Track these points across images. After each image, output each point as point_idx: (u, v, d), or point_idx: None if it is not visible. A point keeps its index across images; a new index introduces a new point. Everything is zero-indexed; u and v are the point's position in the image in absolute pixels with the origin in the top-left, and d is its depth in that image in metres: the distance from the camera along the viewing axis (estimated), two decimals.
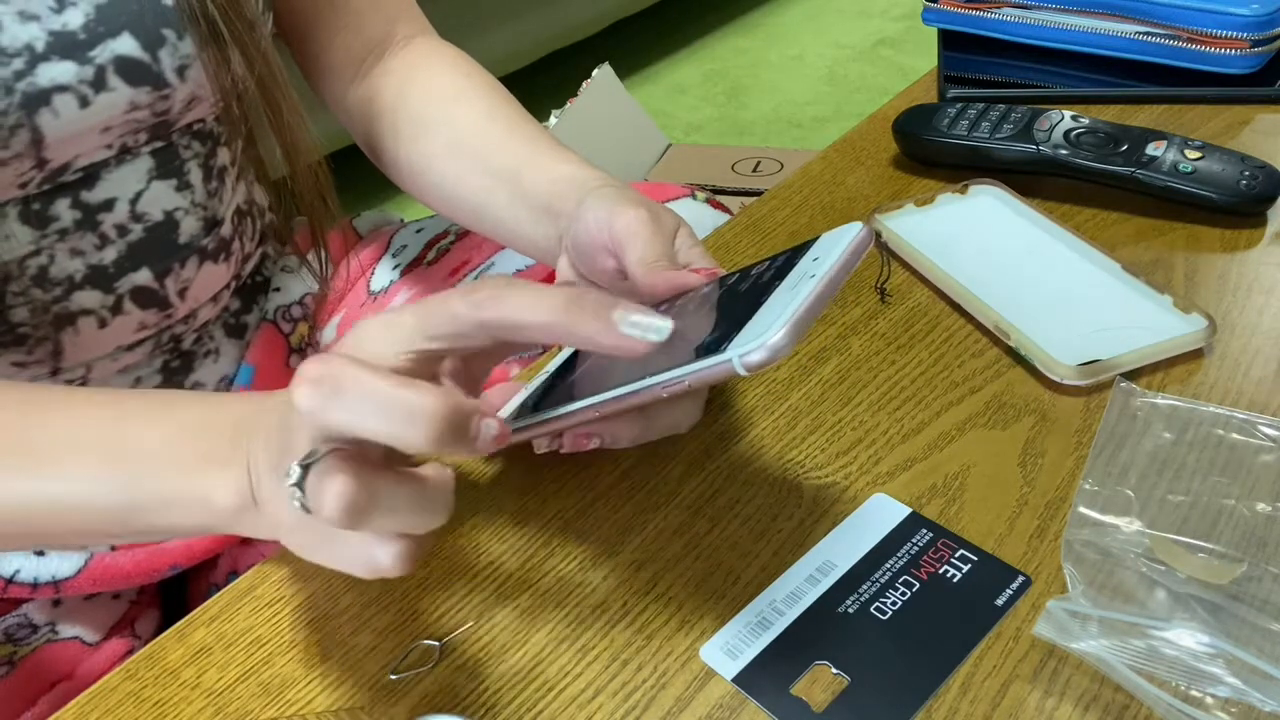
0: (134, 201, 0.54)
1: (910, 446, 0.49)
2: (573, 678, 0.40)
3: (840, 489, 0.47)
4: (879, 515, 0.45)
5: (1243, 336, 0.53)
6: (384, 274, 0.72)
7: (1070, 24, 0.76)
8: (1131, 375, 0.51)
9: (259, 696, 0.41)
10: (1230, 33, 0.70)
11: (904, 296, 0.58)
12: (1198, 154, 0.62)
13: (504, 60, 2.09)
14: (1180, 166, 0.61)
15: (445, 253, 0.72)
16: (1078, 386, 0.51)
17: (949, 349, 0.54)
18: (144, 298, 0.56)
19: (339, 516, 0.31)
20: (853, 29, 2.66)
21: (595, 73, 1.70)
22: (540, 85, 2.18)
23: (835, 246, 0.37)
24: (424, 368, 0.35)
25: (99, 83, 0.49)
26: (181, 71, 0.52)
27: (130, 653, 0.57)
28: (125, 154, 0.53)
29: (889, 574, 0.43)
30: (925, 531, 0.44)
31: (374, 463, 0.33)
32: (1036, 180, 0.65)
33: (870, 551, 0.44)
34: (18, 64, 0.46)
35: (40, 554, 0.55)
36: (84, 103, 0.49)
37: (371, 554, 0.34)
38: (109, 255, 0.54)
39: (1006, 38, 0.79)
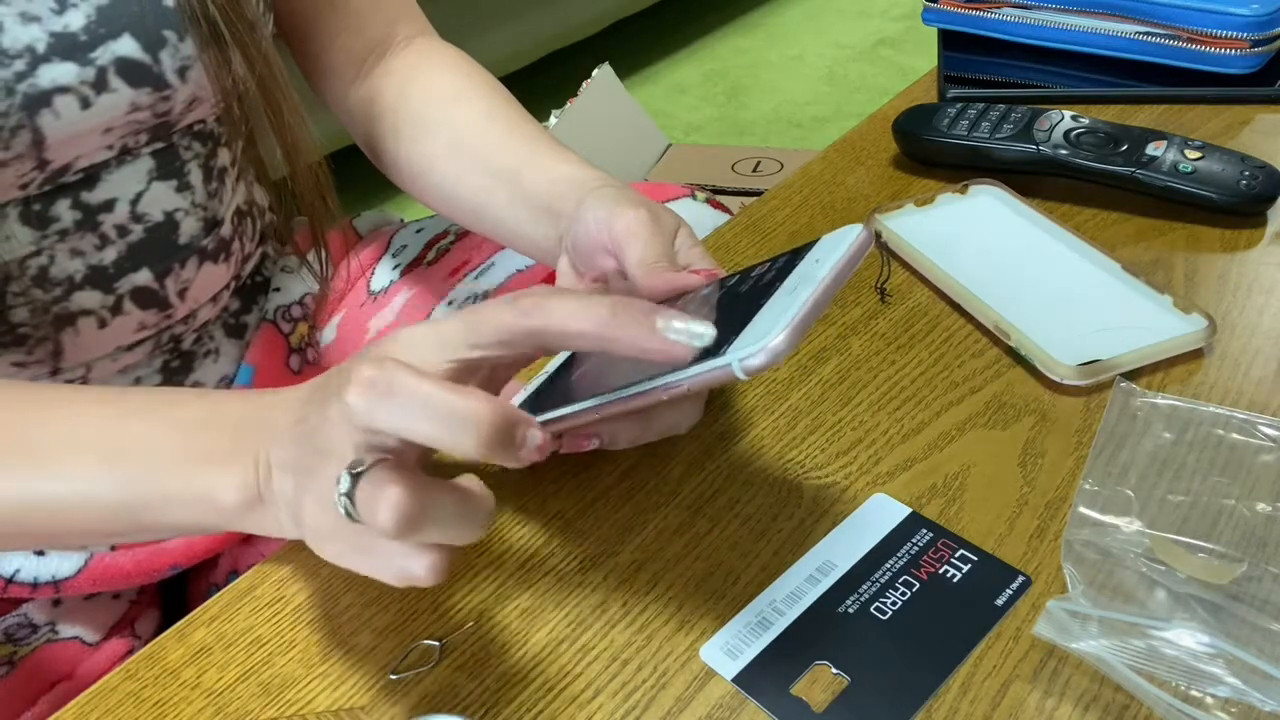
0: (134, 202, 0.54)
1: (910, 446, 0.49)
2: (573, 678, 0.40)
3: (840, 489, 0.47)
4: (879, 515, 0.45)
5: (1243, 336, 0.53)
6: (384, 274, 0.72)
7: (1070, 24, 0.76)
8: (1131, 375, 0.51)
9: (259, 696, 0.41)
10: (1230, 33, 0.70)
11: (904, 296, 0.58)
12: (1198, 154, 0.62)
13: (504, 60, 2.09)
14: (1180, 166, 0.61)
15: (445, 253, 0.72)
16: (1078, 386, 0.51)
17: (949, 349, 0.54)
18: (144, 298, 0.56)
19: (393, 528, 0.32)
20: (853, 29, 2.66)
21: (595, 73, 1.70)
22: (540, 85, 2.18)
23: (835, 249, 0.37)
24: (465, 377, 0.36)
25: (100, 84, 0.49)
26: (182, 72, 0.52)
27: (130, 653, 0.57)
28: (126, 155, 0.53)
29: (889, 574, 0.43)
30: (925, 531, 0.45)
31: (420, 474, 0.33)
32: (1036, 180, 0.65)
33: (870, 551, 0.44)
34: (19, 65, 0.46)
35: (40, 554, 0.55)
36: (85, 104, 0.49)
37: (407, 564, 0.34)
38: (109, 256, 0.54)
39: (1006, 38, 0.79)
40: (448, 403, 0.32)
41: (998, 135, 0.65)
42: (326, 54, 0.66)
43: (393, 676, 0.41)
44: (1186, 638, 0.38)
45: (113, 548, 0.56)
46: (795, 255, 0.39)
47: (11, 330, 0.52)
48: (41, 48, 0.47)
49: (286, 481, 0.37)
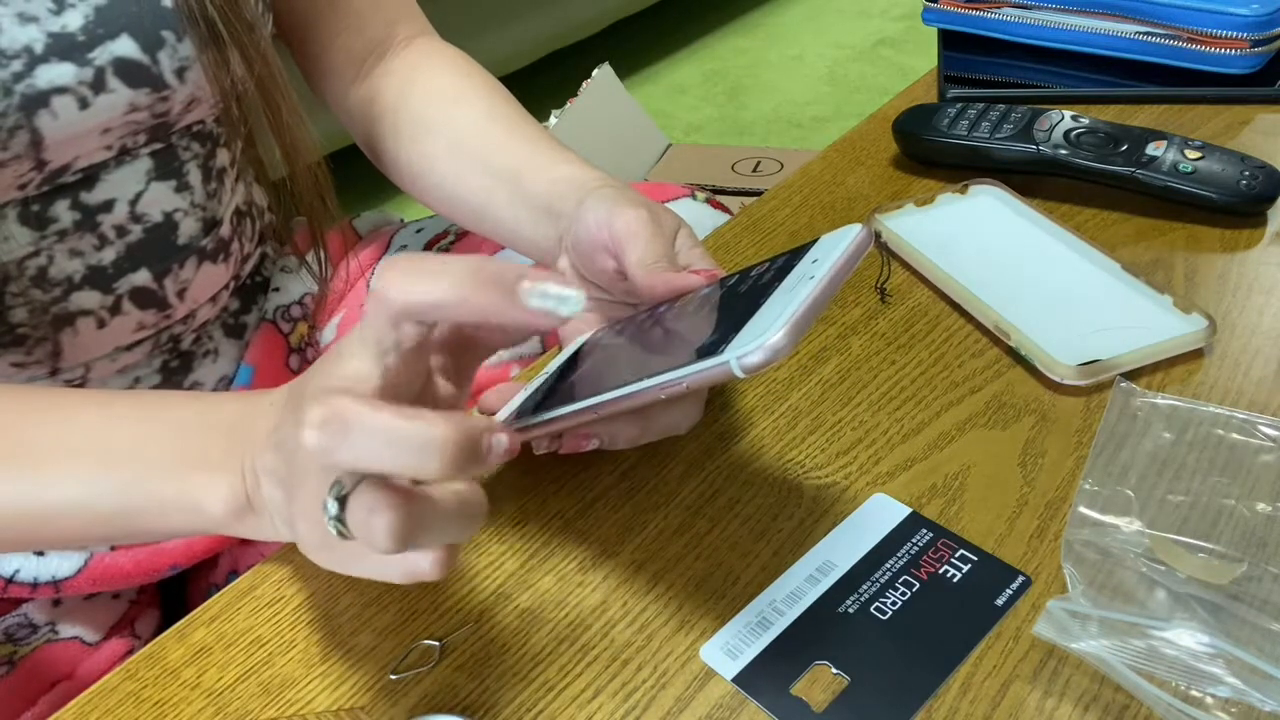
0: (133, 203, 0.54)
1: (910, 446, 0.49)
2: (573, 678, 0.40)
3: (840, 489, 0.47)
4: (879, 515, 0.45)
5: (1243, 336, 0.53)
6: None
7: (1070, 24, 0.76)
8: (1131, 375, 0.51)
9: (259, 696, 0.41)
10: (1230, 33, 0.70)
11: (904, 296, 0.58)
12: (1198, 154, 0.62)
13: (504, 60, 2.09)
14: (1180, 166, 0.61)
15: (445, 253, 0.72)
16: (1078, 386, 0.51)
17: (949, 349, 0.54)
18: (143, 298, 0.56)
19: (390, 546, 0.31)
20: (853, 29, 2.66)
21: (595, 73, 1.70)
22: (540, 85, 2.18)
23: (835, 248, 0.37)
24: (409, 369, 0.35)
25: (98, 84, 0.49)
26: (181, 73, 0.52)
27: (130, 653, 0.57)
28: (124, 155, 0.53)
29: (889, 574, 0.43)
30: (925, 531, 0.44)
31: (406, 487, 0.33)
32: (1036, 180, 0.65)
33: (870, 551, 0.44)
34: (16, 66, 0.46)
35: (40, 554, 0.55)
36: (83, 104, 0.49)
37: (411, 564, 0.34)
38: (108, 256, 0.54)
39: (1006, 38, 0.79)
40: (403, 431, 0.30)
41: (998, 135, 0.65)
42: (326, 54, 0.66)
43: (393, 676, 0.41)
44: (1186, 638, 0.38)
45: (112, 548, 0.56)
46: (795, 255, 0.39)
47: (10, 330, 0.52)
48: (39, 48, 0.47)
49: (275, 490, 0.37)
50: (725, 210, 0.73)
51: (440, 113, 0.62)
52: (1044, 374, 0.51)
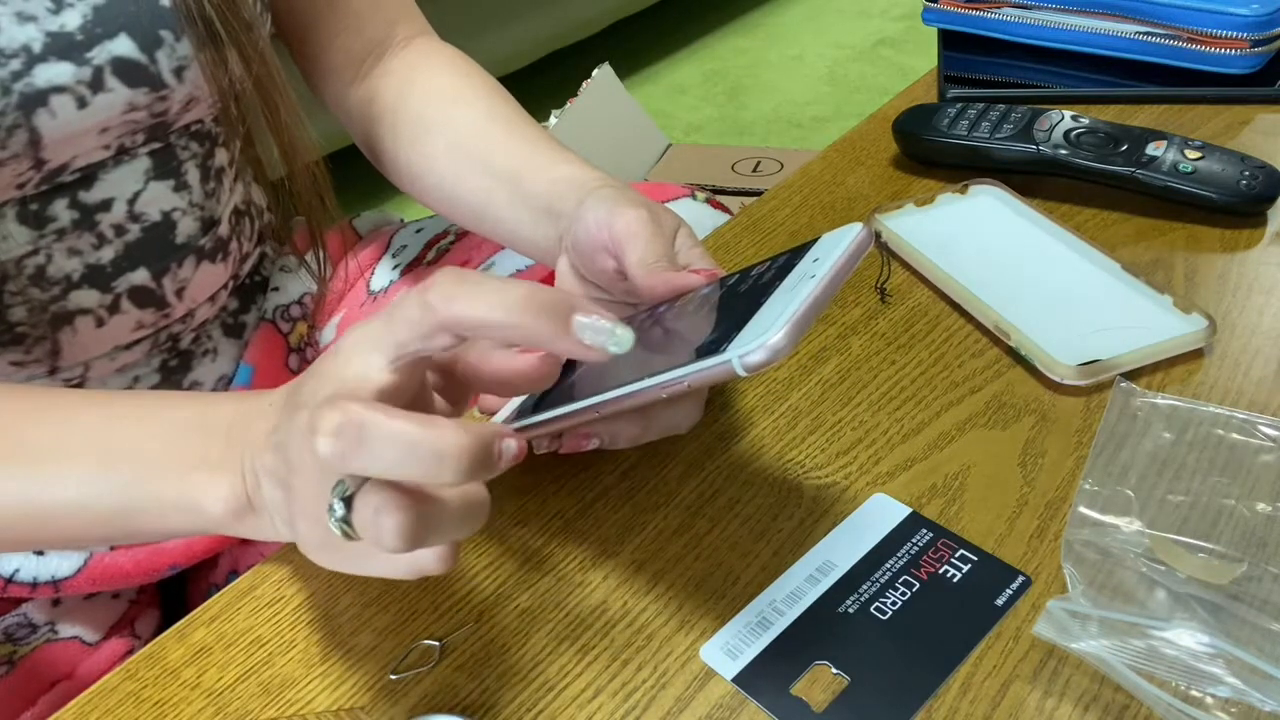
0: (131, 202, 0.54)
1: (910, 446, 0.49)
2: (573, 678, 0.40)
3: (840, 489, 0.47)
4: (879, 515, 0.45)
5: (1243, 336, 0.53)
6: (384, 274, 0.72)
7: (1070, 24, 0.76)
8: (1131, 375, 0.51)
9: (259, 696, 0.41)
10: (1230, 33, 0.70)
11: (904, 296, 0.58)
12: (1198, 154, 0.61)
13: (504, 60, 2.09)
14: (1180, 166, 0.61)
15: (445, 253, 0.72)
16: (1078, 386, 0.51)
17: (949, 349, 0.54)
18: (141, 297, 0.56)
19: (398, 546, 0.31)
20: (853, 29, 2.66)
21: (595, 73, 1.70)
22: (540, 85, 2.18)
23: (835, 247, 0.37)
24: (412, 374, 0.35)
25: (97, 84, 0.49)
26: (179, 73, 0.52)
27: (130, 653, 0.57)
28: (123, 155, 0.53)
29: (889, 574, 0.43)
30: (925, 531, 0.44)
31: (409, 487, 0.33)
32: (1036, 180, 0.65)
33: (870, 551, 0.44)
34: (15, 65, 0.46)
35: (40, 553, 0.55)
36: (82, 104, 0.49)
37: (415, 560, 0.35)
38: (106, 255, 0.54)
39: (1006, 38, 0.79)
40: (418, 439, 0.31)
41: (998, 135, 0.65)
42: (325, 54, 0.66)
43: (393, 676, 0.41)
44: (1186, 638, 0.38)
45: (112, 548, 0.56)
46: (795, 254, 0.39)
47: (9, 329, 0.52)
48: (38, 47, 0.47)
49: (276, 491, 0.37)
50: (725, 210, 0.73)
51: (439, 113, 0.62)
52: (1044, 374, 0.51)
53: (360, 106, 0.66)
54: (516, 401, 0.46)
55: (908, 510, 0.46)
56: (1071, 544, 0.42)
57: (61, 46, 0.48)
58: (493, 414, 0.46)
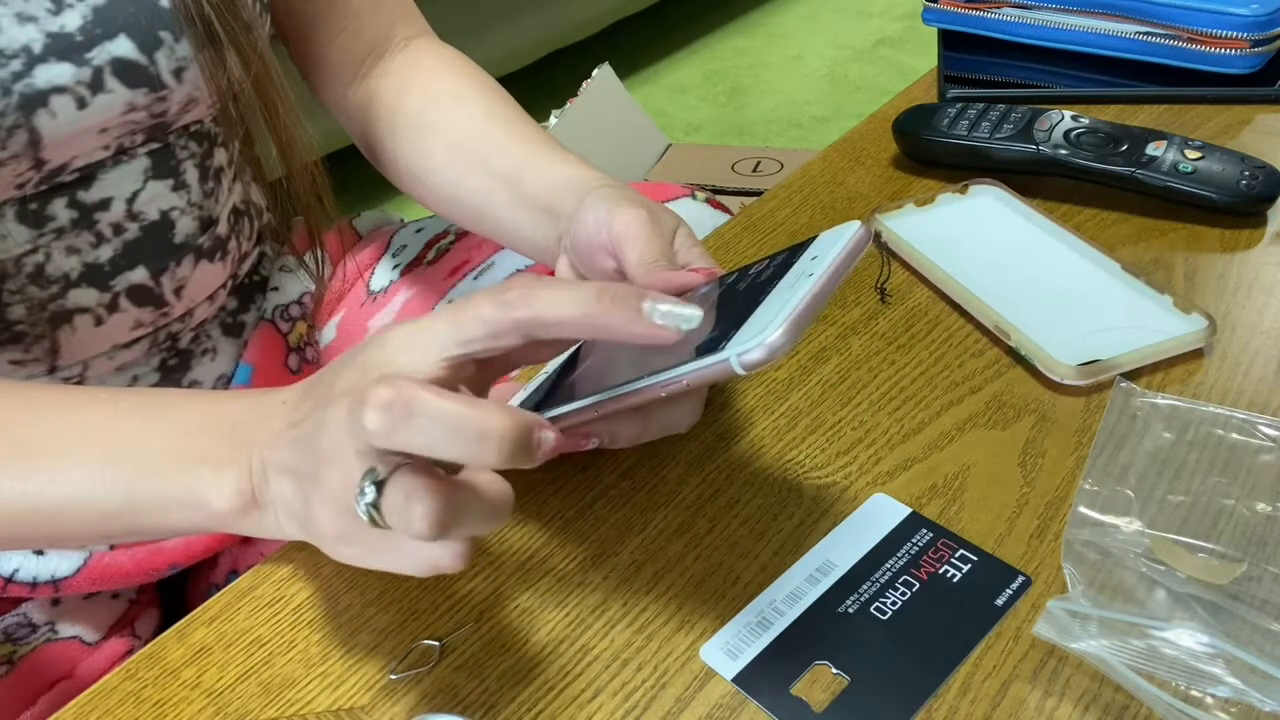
0: (130, 201, 0.54)
1: (910, 446, 0.49)
2: (573, 678, 0.40)
3: (840, 489, 0.47)
4: (879, 515, 0.45)
5: (1243, 336, 0.53)
6: (384, 274, 0.72)
7: (1070, 24, 0.76)
8: (1131, 375, 0.51)
9: (259, 696, 0.41)
10: (1230, 33, 0.70)
11: (904, 296, 0.58)
12: (1198, 154, 0.61)
13: (504, 60, 2.09)
14: (1180, 166, 0.61)
15: (445, 253, 0.72)
16: (1078, 386, 0.51)
17: (949, 349, 0.54)
18: (140, 296, 0.56)
19: (428, 533, 0.32)
20: (853, 29, 2.66)
21: (595, 73, 1.70)
22: (540, 85, 2.18)
23: (834, 245, 0.36)
24: (458, 374, 0.35)
25: (96, 84, 0.49)
26: (178, 73, 0.52)
27: (130, 653, 0.57)
28: (122, 155, 0.53)
29: (889, 574, 0.43)
30: (925, 531, 0.44)
31: (441, 475, 0.33)
32: (1036, 180, 0.65)
33: (870, 551, 0.44)
34: (15, 65, 0.46)
35: (39, 553, 0.55)
36: (81, 104, 0.49)
37: (433, 555, 0.35)
38: (105, 253, 0.54)
39: (1006, 38, 0.79)
40: (465, 418, 0.31)
41: (998, 135, 0.65)
42: (325, 55, 0.66)
43: (393, 676, 0.41)
44: (1186, 638, 0.38)
45: (111, 547, 0.56)
46: (794, 252, 0.39)
47: (8, 328, 0.52)
48: (38, 48, 0.47)
49: (286, 485, 0.37)
50: (725, 210, 0.73)
51: (439, 113, 0.62)
52: (1044, 374, 0.51)
53: (360, 107, 0.66)
54: (516, 401, 0.46)
55: (908, 510, 0.46)
56: (1071, 544, 0.42)
57: (61, 47, 0.48)
58: None
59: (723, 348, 0.34)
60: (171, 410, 0.42)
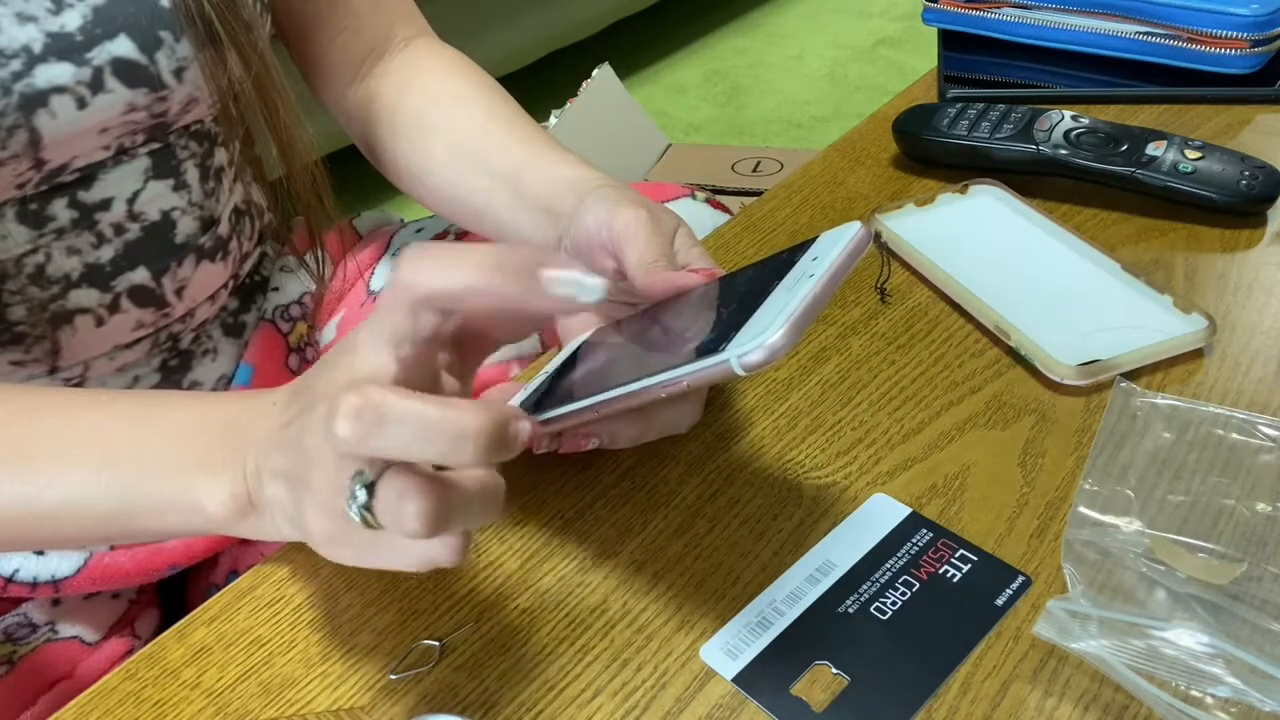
0: (131, 201, 0.54)
1: (910, 446, 0.49)
2: (573, 678, 0.40)
3: (840, 489, 0.47)
4: (879, 515, 0.45)
5: (1243, 336, 0.53)
6: (384, 274, 0.72)
7: (1070, 24, 0.76)
8: (1131, 375, 0.51)
9: (259, 696, 0.41)
10: (1230, 33, 0.70)
11: (904, 296, 0.58)
12: (1198, 154, 0.61)
13: (504, 60, 2.09)
14: (1180, 166, 0.61)
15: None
16: (1078, 386, 0.51)
17: (949, 349, 0.54)
18: (141, 296, 0.56)
19: (420, 530, 0.32)
20: (853, 29, 2.66)
21: (595, 73, 1.70)
22: (540, 85, 2.18)
23: (834, 246, 0.37)
24: (424, 366, 0.35)
25: (96, 84, 0.49)
26: (179, 73, 0.52)
27: (130, 653, 0.57)
28: (122, 155, 0.53)
29: (889, 574, 0.43)
30: (925, 531, 0.44)
31: (432, 473, 0.33)
32: (1036, 180, 0.65)
33: (870, 551, 0.44)
34: (15, 65, 0.46)
35: (40, 553, 0.55)
36: (81, 104, 0.49)
37: (429, 551, 0.35)
38: (106, 254, 0.54)
39: (1006, 38, 0.79)
40: (438, 420, 0.31)
41: (998, 135, 0.65)
42: (325, 55, 0.66)
43: (393, 676, 0.41)
44: (1186, 638, 0.38)
45: (112, 547, 0.56)
46: (794, 253, 0.39)
47: (9, 328, 0.52)
48: (38, 48, 0.47)
49: (279, 489, 0.37)
50: (725, 210, 0.73)
51: (439, 113, 0.62)
52: (1044, 374, 0.51)
53: (360, 107, 0.66)
54: (516, 401, 0.46)
55: (908, 510, 0.46)
56: (1071, 544, 0.42)
57: (61, 47, 0.48)
58: None
59: (723, 349, 0.34)
60: (166, 413, 0.42)
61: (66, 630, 0.56)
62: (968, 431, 0.49)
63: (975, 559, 0.43)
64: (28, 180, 0.49)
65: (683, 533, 0.46)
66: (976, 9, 0.79)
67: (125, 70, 0.50)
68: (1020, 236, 0.60)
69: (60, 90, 0.48)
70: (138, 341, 0.57)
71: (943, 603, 0.41)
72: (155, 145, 0.54)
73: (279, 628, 0.44)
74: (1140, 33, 0.74)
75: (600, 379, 0.40)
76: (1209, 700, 0.37)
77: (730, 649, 0.41)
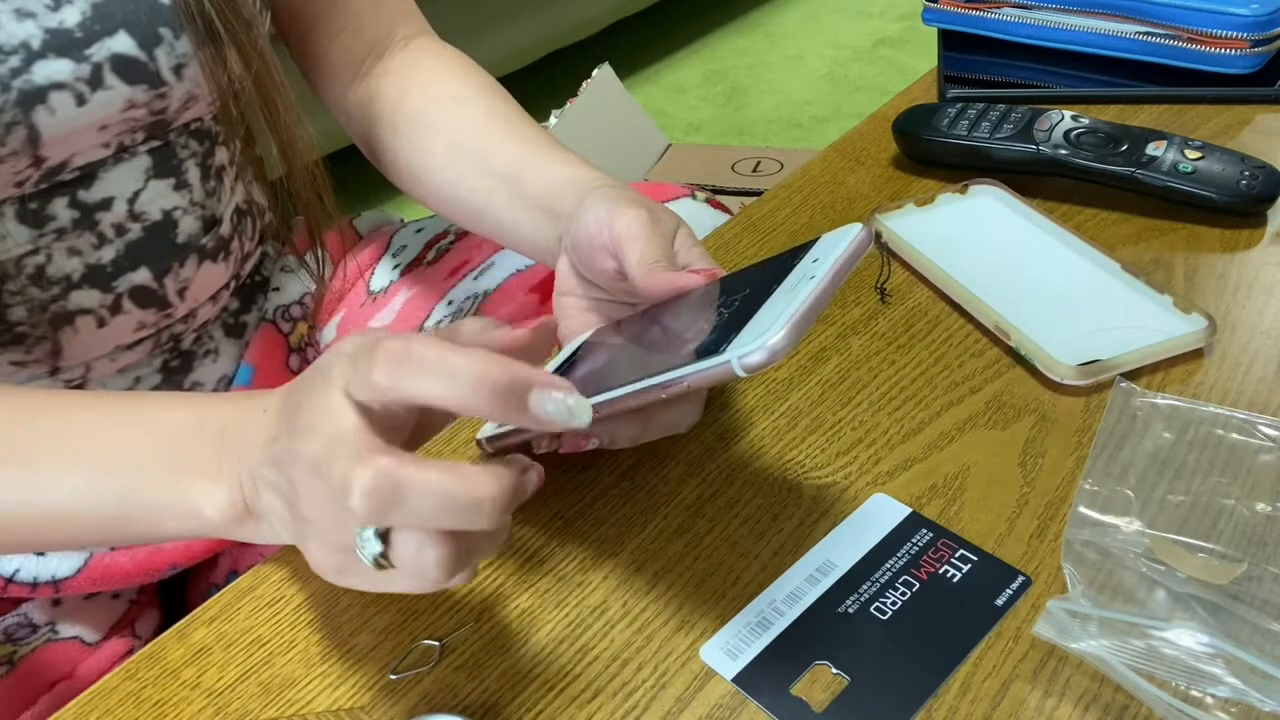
0: (132, 201, 0.54)
1: (910, 446, 0.49)
2: (573, 678, 0.40)
3: (840, 489, 0.47)
4: (879, 515, 0.45)
5: (1243, 336, 0.53)
6: (384, 274, 0.72)
7: (1070, 24, 0.76)
8: (1131, 375, 0.51)
9: (259, 696, 0.41)
10: (1230, 33, 0.70)
11: (904, 296, 0.58)
12: (1198, 154, 0.61)
13: (504, 60, 2.09)
14: (1180, 166, 0.61)
15: (445, 253, 0.72)
16: (1078, 386, 0.51)
17: (949, 349, 0.54)
18: (143, 297, 0.56)
19: (442, 578, 0.33)
20: (853, 29, 2.66)
21: (595, 73, 1.70)
22: (540, 85, 2.18)
23: (835, 248, 0.37)
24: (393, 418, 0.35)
25: (95, 81, 0.49)
26: (178, 70, 0.52)
27: (130, 653, 0.57)
28: (123, 153, 0.53)
29: (889, 574, 0.43)
30: (925, 531, 0.44)
31: None
32: (1036, 180, 0.65)
33: (870, 551, 0.44)
34: (14, 61, 0.46)
35: (40, 554, 0.55)
36: (80, 101, 0.49)
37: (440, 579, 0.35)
38: (107, 255, 0.54)
39: (1006, 38, 0.79)
40: (458, 493, 0.32)
41: (998, 135, 0.65)
42: (326, 54, 0.66)
43: (393, 676, 0.41)
44: (1186, 638, 0.38)
45: (112, 548, 0.56)
46: (795, 254, 0.39)
47: (9, 329, 0.52)
48: (37, 44, 0.47)
49: (275, 501, 0.37)
50: (725, 210, 0.73)
51: (439, 113, 0.62)
52: (1044, 374, 0.51)
53: (360, 106, 0.66)
54: None
55: (908, 510, 0.46)
56: (1071, 544, 0.42)
57: (60, 43, 0.48)
58: None
59: (724, 350, 0.34)
60: (161, 415, 0.41)
61: (67, 630, 0.56)
62: (968, 431, 0.49)
63: (975, 559, 0.43)
64: (27, 178, 0.49)
65: (683, 533, 0.46)
66: (976, 9, 0.79)
67: (124, 67, 0.50)
68: (1020, 236, 0.60)
69: (59, 87, 0.48)
70: (139, 342, 0.57)
71: (943, 603, 0.41)
72: (155, 143, 0.54)
73: (279, 628, 0.44)
74: (1140, 33, 0.74)
75: (600, 379, 0.40)
76: (1209, 700, 0.37)
77: (730, 649, 0.41)
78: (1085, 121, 0.64)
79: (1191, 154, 0.62)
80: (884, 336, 0.55)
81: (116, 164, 0.53)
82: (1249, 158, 0.61)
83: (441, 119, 0.62)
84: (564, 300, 0.51)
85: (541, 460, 0.49)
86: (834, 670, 0.39)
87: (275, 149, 0.60)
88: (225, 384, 0.63)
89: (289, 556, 0.46)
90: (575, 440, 0.44)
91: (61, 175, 0.51)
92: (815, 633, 0.41)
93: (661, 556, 0.45)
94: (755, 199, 0.69)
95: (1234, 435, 0.47)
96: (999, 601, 0.41)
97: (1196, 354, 0.52)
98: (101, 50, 0.49)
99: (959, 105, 0.68)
